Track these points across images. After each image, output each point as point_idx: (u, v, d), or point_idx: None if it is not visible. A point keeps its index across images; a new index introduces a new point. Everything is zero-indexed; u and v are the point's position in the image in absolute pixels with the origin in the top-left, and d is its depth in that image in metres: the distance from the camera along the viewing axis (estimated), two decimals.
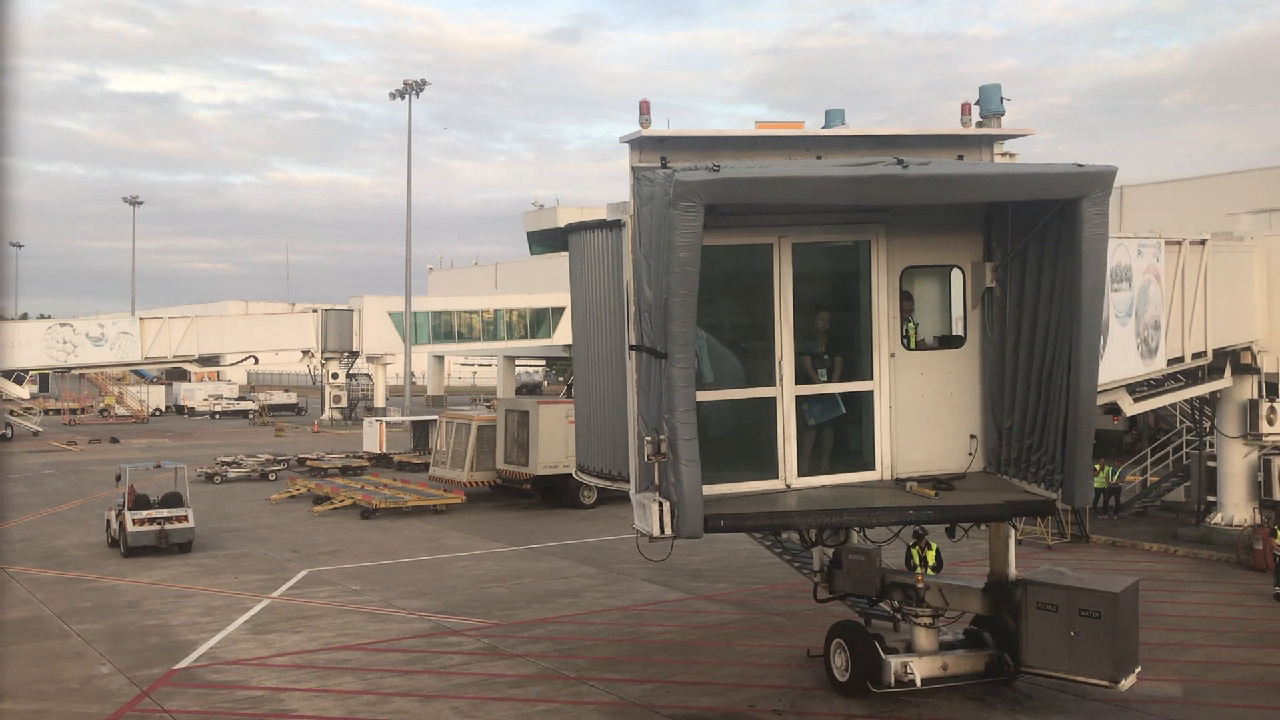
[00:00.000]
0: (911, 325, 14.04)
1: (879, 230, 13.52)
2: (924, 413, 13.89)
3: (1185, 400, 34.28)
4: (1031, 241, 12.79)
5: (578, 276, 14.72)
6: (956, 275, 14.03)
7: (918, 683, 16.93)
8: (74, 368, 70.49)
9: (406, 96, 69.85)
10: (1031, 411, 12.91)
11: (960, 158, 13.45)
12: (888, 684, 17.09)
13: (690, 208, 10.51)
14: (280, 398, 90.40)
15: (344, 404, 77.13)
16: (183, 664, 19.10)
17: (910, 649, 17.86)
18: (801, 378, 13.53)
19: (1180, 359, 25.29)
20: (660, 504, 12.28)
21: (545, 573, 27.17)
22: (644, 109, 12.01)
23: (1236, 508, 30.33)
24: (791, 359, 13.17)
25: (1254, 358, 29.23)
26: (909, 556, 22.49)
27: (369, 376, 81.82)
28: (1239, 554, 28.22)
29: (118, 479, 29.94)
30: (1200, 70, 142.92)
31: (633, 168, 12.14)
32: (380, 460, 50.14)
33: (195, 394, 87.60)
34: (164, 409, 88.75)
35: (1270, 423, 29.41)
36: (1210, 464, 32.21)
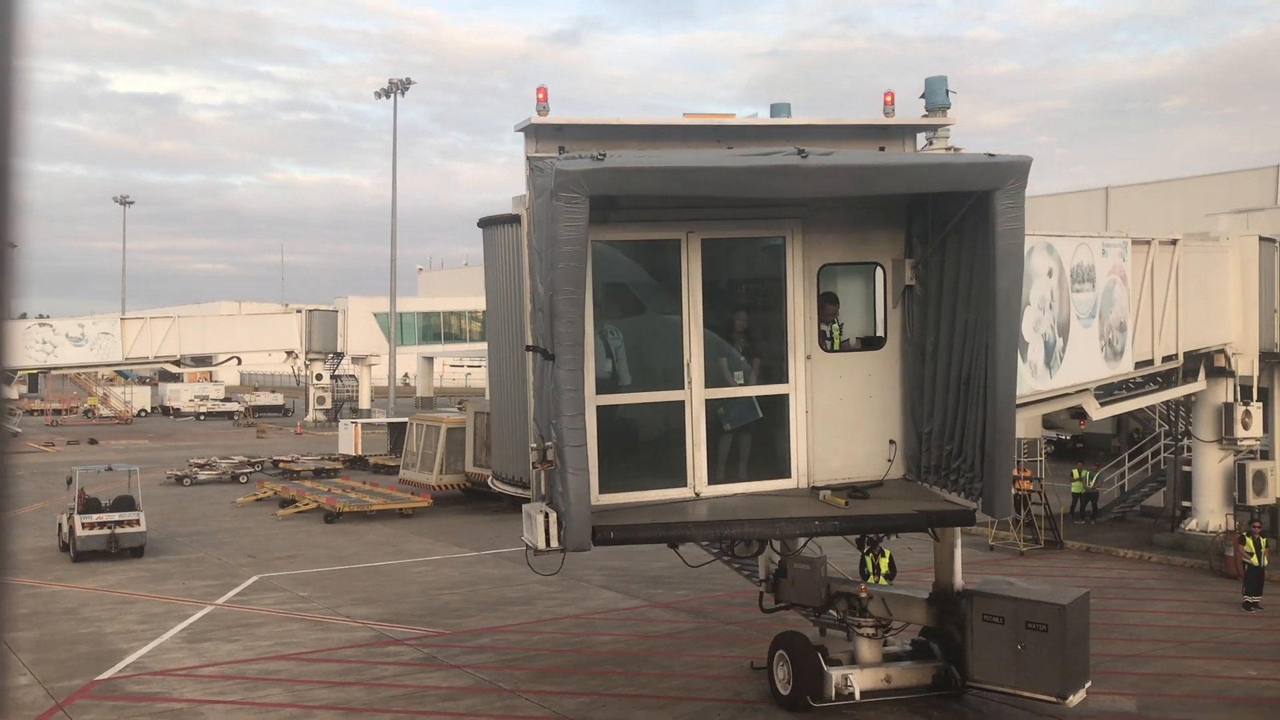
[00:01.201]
0: (835, 326, 13.41)
1: (794, 226, 12.88)
2: (842, 417, 13.25)
3: (1162, 404, 33.77)
4: (949, 237, 12.16)
5: (490, 273, 14.12)
6: (881, 274, 13.43)
7: (857, 696, 16.35)
8: (53, 368, 69.88)
9: (392, 95, 69.38)
10: (950, 417, 12.27)
11: (882, 149, 12.84)
12: (828, 697, 16.52)
13: (573, 199, 9.89)
14: (267, 399, 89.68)
15: (328, 405, 76.44)
16: (106, 675, 18.51)
17: (854, 661, 17.31)
18: (717, 380, 12.93)
19: (1149, 361, 24.68)
20: (545, 515, 11.69)
21: (501, 579, 26.58)
22: (541, 96, 11.40)
23: (1211, 513, 29.71)
24: (701, 361, 12.54)
25: (1228, 360, 28.60)
26: (862, 564, 21.96)
27: (354, 378, 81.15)
28: (1211, 561, 27.62)
29: (68, 482, 29.34)
30: (1199, 74, 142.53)
31: (528, 157, 11.51)
32: (356, 463, 49.54)
33: (181, 395, 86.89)
34: (150, 410, 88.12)
35: (1245, 427, 28.79)
36: (1186, 469, 31.61)
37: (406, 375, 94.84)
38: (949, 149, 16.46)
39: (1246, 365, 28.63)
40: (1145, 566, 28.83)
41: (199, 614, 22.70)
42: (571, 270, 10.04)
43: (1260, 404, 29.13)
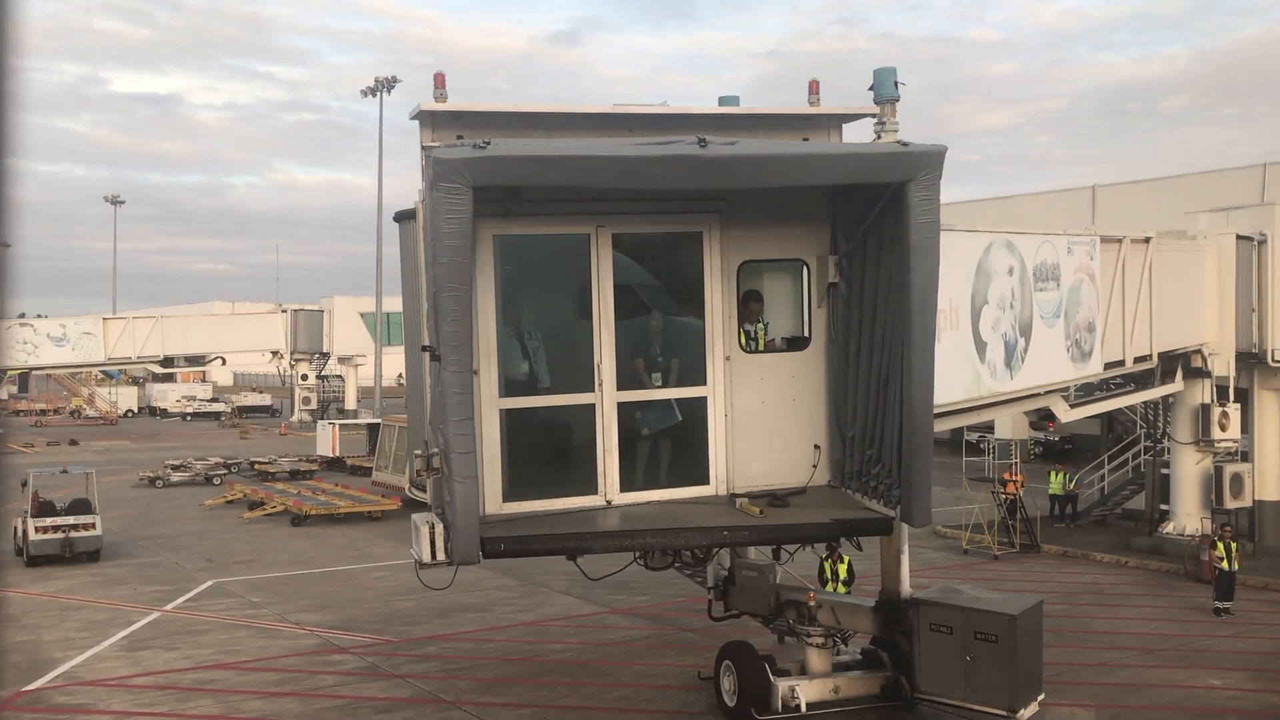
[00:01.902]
0: (760, 325, 12.84)
1: (712, 221, 12.32)
2: (764, 421, 12.68)
3: (1142, 405, 33.20)
4: (869, 232, 11.59)
5: (404, 268, 13.57)
6: (806, 271, 12.86)
7: (803, 708, 15.82)
8: (35, 369, 69.34)
9: (379, 93, 69.02)
10: (871, 421, 11.71)
11: (805, 140, 12.27)
12: (775, 709, 16.00)
13: (455, 189, 9.33)
14: (255, 399, 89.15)
15: (314, 406, 75.87)
16: (35, 685, 17.97)
17: (803, 671, 16.79)
18: (632, 383, 12.38)
19: (1120, 363, 24.12)
20: (431, 526, 11.16)
21: (460, 584, 25.64)
22: (439, 82, 10.85)
23: (1189, 516, 29.15)
24: (613, 362, 11.97)
25: (1205, 361, 28.04)
26: (820, 570, 21.42)
27: (341, 378, 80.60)
28: (1186, 565, 27.08)
29: (23, 485, 28.81)
30: (1199, 74, 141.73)
31: (423, 147, 10.95)
32: (334, 464, 49.01)
33: (168, 395, 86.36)
34: (136, 410, 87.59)
35: (1223, 428, 28.24)
36: (1165, 471, 31.06)
37: (400, 376, 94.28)
38: (899, 142, 15.95)
39: (1223, 366, 28.07)
40: (1121, 571, 28.29)
41: (143, 621, 22.17)
42: (455, 266, 9.50)
43: (1238, 405, 28.58)
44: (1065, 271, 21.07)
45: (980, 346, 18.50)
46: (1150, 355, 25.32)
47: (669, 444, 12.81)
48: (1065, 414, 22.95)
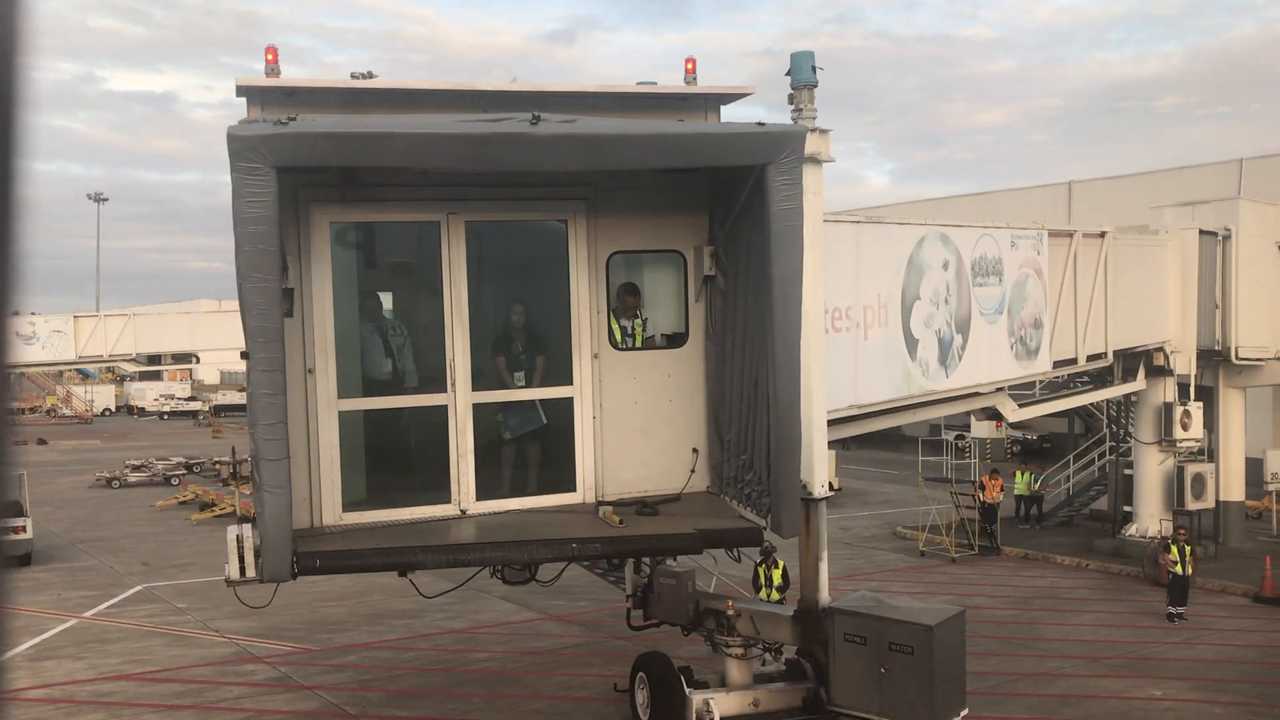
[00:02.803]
0: (639, 321, 12.09)
1: (578, 209, 11.56)
2: (637, 423, 11.91)
3: (1106, 404, 32.50)
4: (740, 221, 10.85)
5: None
6: (683, 263, 12.11)
7: None
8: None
9: None
10: (744, 423, 10.97)
11: (681, 121, 11.49)
12: None
13: (254, 169, 8.57)
14: (237, 397, 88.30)
15: None
16: None
17: (723, 682, 16.07)
18: (493, 382, 11.63)
19: (1072, 360, 23.40)
20: (240, 539, 10.42)
21: (397, 589, 25.18)
22: (270, 57, 10.09)
23: (1152, 518, 28.47)
24: (467, 360, 11.19)
25: (1167, 359, 27.33)
26: (755, 575, 20.71)
27: None
28: (1145, 569, 26.38)
29: None
30: (1194, 72, 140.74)
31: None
32: None
33: (146, 394, 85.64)
34: (114, 409, 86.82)
35: (1185, 428, 27.54)
36: (1128, 471, 30.36)
37: None
38: (815, 129, 15.22)
39: (1184, 364, 27.37)
40: (1081, 574, 27.59)
41: (57, 629, 21.43)
42: (259, 254, 8.73)
43: (1200, 404, 27.87)
44: (1008, 266, 20.34)
45: (911, 344, 17.79)
46: (1105, 353, 24.62)
47: (536, 448, 12.05)
48: (1013, 413, 22.23)
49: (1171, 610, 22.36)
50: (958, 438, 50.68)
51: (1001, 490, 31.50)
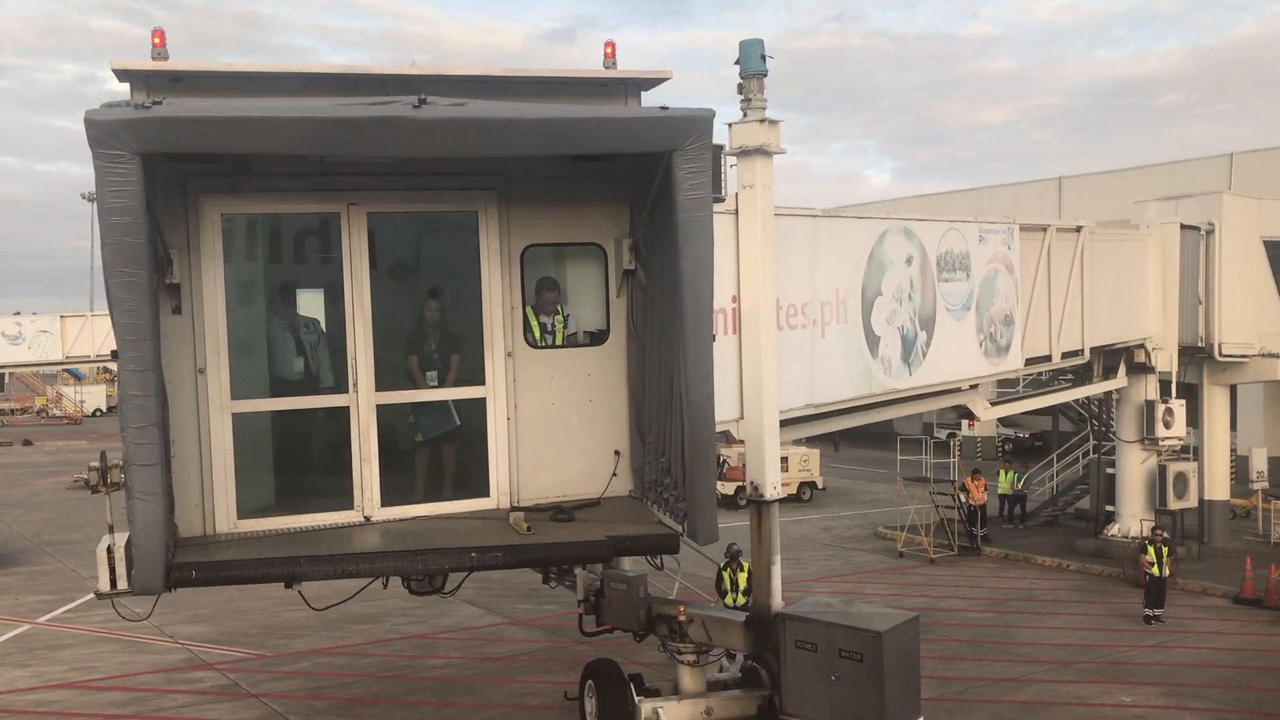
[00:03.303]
0: (559, 318, 11.62)
1: (489, 199, 11.07)
2: (556, 425, 11.44)
3: (1087, 401, 32.02)
4: (655, 212, 10.39)
5: None
6: (604, 257, 11.63)
7: None
8: None
9: None
10: (661, 424, 10.51)
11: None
12: None
13: (116, 157, 8.11)
14: None
15: None
16: None
17: (676, 690, 15.61)
18: (403, 382, 11.17)
19: (1046, 358, 22.90)
20: (110, 550, 9.96)
21: (362, 593, 24.80)
22: (158, 40, 9.62)
23: (1134, 518, 27.95)
24: (370, 358, 10.71)
25: (1148, 356, 26.82)
26: (719, 579, 20.24)
27: None
28: (1125, 569, 25.89)
29: None
30: (1195, 69, 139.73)
31: None
32: None
33: None
34: (106, 409, 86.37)
35: (1167, 426, 27.02)
36: (1110, 470, 29.85)
37: None
38: (764, 120, 14.74)
39: (1165, 361, 26.86)
40: (1061, 575, 27.10)
41: (7, 635, 21.01)
42: (125, 247, 8.27)
43: (1183, 401, 27.36)
44: (976, 261, 19.86)
45: (873, 341, 17.31)
46: (1082, 350, 24.13)
47: (451, 451, 11.56)
48: (985, 412, 21.75)
49: (1148, 612, 21.89)
50: (949, 436, 50.17)
51: (985, 490, 31.03)
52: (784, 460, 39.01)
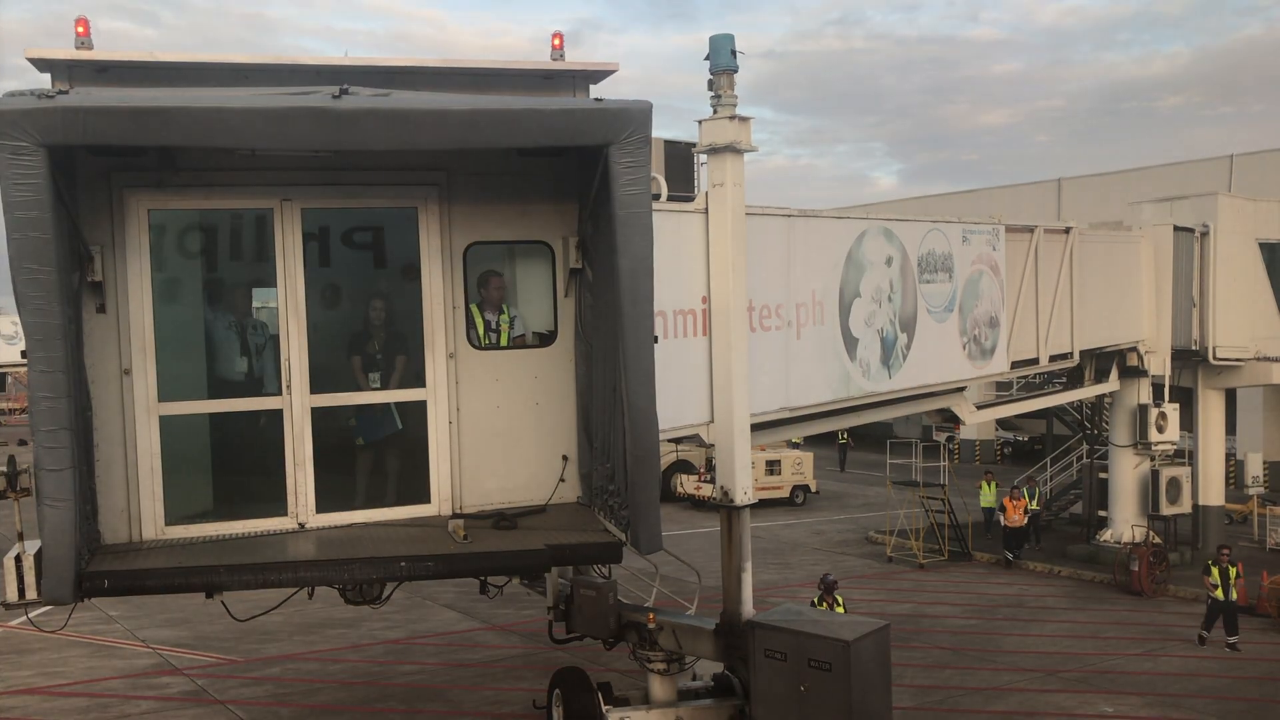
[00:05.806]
0: (504, 316, 11.28)
1: (429, 195, 10.73)
2: (501, 429, 11.09)
3: (1080, 404, 31.64)
4: (597, 209, 10.04)
5: None
6: (552, 255, 11.29)
7: None
8: None
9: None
10: (606, 429, 10.16)
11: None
12: None
13: (20, 149, 7.78)
14: None
15: None
16: None
17: (646, 698, 15.28)
18: (343, 384, 10.82)
19: (1033, 361, 22.51)
20: (18, 558, 9.64)
21: (336, 597, 24.49)
22: (81, 29, 9.31)
23: (1127, 523, 27.55)
24: (305, 360, 10.36)
25: (1141, 359, 26.43)
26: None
27: None
28: (1116, 575, 25.51)
29: None
30: (1200, 73, 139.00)
31: None
32: None
33: None
34: None
35: (1160, 430, 26.61)
36: (1103, 475, 29.46)
37: None
38: (735, 117, 14.43)
39: (1159, 364, 26.45)
40: (1052, 581, 26.72)
41: None
42: (30, 244, 7.96)
43: (1177, 405, 26.95)
44: (960, 262, 19.49)
45: (851, 343, 16.96)
46: (1071, 353, 23.74)
47: (393, 456, 11.23)
48: (970, 415, 21.34)
49: (1203, 633, 20.64)
50: (948, 439, 49.73)
51: (1026, 512, 29.09)
52: (776, 463, 38.73)
